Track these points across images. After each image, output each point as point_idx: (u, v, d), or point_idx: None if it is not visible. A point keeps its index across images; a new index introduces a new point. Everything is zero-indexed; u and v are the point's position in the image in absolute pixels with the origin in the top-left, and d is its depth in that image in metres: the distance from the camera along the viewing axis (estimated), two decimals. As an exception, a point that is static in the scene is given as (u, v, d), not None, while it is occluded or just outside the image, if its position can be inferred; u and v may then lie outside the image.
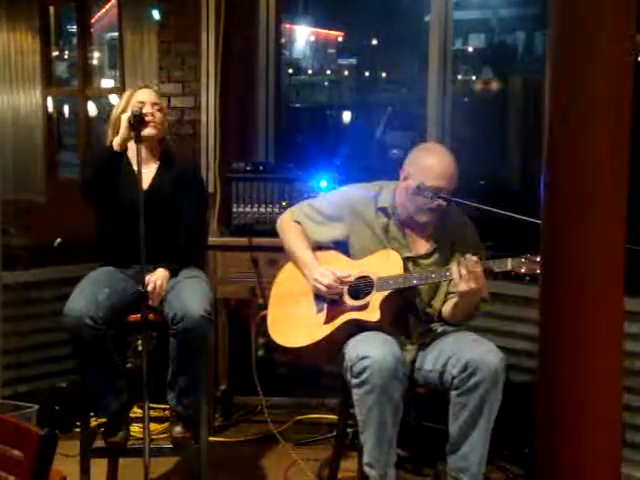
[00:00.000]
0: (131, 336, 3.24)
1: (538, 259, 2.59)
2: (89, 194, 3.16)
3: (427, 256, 2.98)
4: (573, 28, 1.67)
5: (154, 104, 3.25)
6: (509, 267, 2.73)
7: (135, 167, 2.97)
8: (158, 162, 3.27)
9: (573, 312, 1.69)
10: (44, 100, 5.41)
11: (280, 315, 3.03)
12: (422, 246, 3.00)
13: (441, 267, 2.90)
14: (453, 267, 2.77)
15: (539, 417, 1.75)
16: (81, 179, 3.19)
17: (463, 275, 2.72)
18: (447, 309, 2.95)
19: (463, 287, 2.73)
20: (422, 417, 3.23)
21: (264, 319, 3.10)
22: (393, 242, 2.97)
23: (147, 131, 3.11)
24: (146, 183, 3.16)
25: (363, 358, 2.69)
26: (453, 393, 2.77)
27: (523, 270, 2.71)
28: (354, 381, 2.72)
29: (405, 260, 2.91)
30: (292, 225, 3.10)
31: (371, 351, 2.69)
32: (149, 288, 2.96)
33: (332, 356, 2.93)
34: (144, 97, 3.25)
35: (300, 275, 3.03)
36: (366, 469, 2.75)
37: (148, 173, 3.20)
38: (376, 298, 2.85)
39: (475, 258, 2.73)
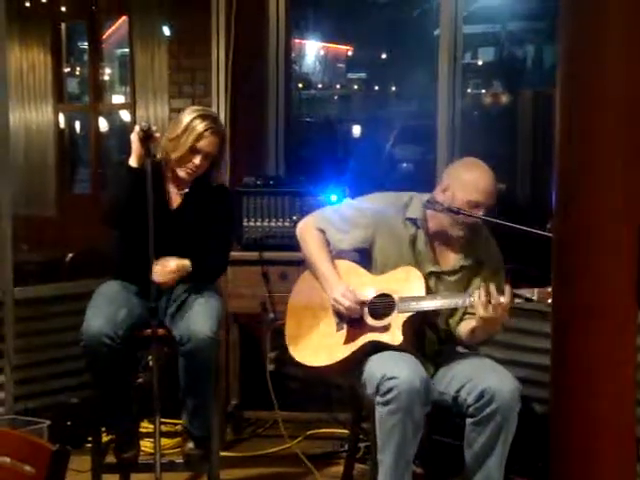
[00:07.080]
0: (142, 351, 3.23)
1: None
2: (112, 224, 3.06)
3: (453, 273, 2.90)
4: (583, 42, 1.67)
5: (208, 154, 3.04)
6: (535, 297, 2.68)
7: (167, 185, 3.02)
8: (192, 183, 3.13)
9: (585, 336, 1.68)
10: (56, 116, 5.45)
11: (298, 329, 2.98)
12: (449, 261, 2.92)
13: (465, 286, 2.85)
14: (475, 293, 2.71)
15: (553, 434, 1.74)
16: (102, 211, 3.05)
17: (484, 302, 2.67)
18: (465, 330, 2.88)
19: (482, 313, 2.69)
20: (433, 431, 3.21)
21: (278, 330, 3.05)
22: (419, 255, 2.88)
23: (181, 174, 3.05)
24: (176, 202, 3.13)
25: (391, 378, 2.63)
26: (468, 421, 2.73)
27: (550, 300, 2.65)
28: (379, 399, 2.67)
29: (429, 275, 2.85)
30: (314, 234, 2.99)
31: (399, 372, 2.64)
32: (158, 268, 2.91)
33: (348, 373, 2.89)
34: (206, 148, 3.01)
35: (319, 287, 2.95)
36: (380, 488, 2.72)
37: (179, 194, 3.13)
38: (398, 320, 2.78)
39: (498, 294, 2.67)
